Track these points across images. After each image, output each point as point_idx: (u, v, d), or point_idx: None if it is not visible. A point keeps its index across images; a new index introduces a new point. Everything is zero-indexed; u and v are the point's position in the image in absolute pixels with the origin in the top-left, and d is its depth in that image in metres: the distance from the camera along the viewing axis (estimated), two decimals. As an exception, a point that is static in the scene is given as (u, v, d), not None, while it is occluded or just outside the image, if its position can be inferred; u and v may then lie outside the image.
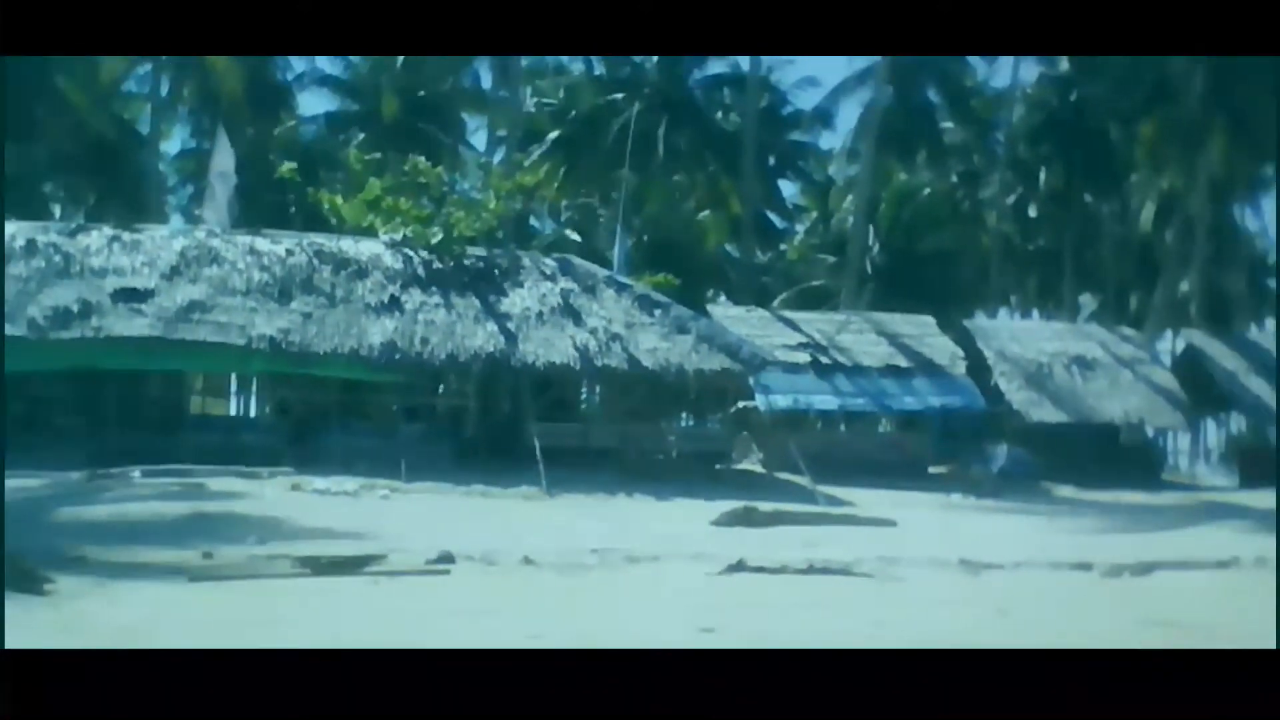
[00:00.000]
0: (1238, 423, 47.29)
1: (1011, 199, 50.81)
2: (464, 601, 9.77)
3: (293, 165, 32.44)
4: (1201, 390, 36.41)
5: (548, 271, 27.18)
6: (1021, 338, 36.77)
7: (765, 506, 18.18)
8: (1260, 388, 36.41)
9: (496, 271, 26.82)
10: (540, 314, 25.68)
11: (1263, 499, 27.17)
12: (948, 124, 48.67)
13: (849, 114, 73.30)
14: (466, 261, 26.82)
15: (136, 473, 19.54)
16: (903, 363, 32.69)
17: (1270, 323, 61.99)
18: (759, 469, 29.22)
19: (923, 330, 34.80)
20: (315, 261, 25.74)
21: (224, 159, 28.83)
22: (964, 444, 30.80)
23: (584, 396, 30.97)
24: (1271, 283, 63.15)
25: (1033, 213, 52.59)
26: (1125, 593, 11.83)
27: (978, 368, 33.74)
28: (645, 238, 42.97)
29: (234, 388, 36.91)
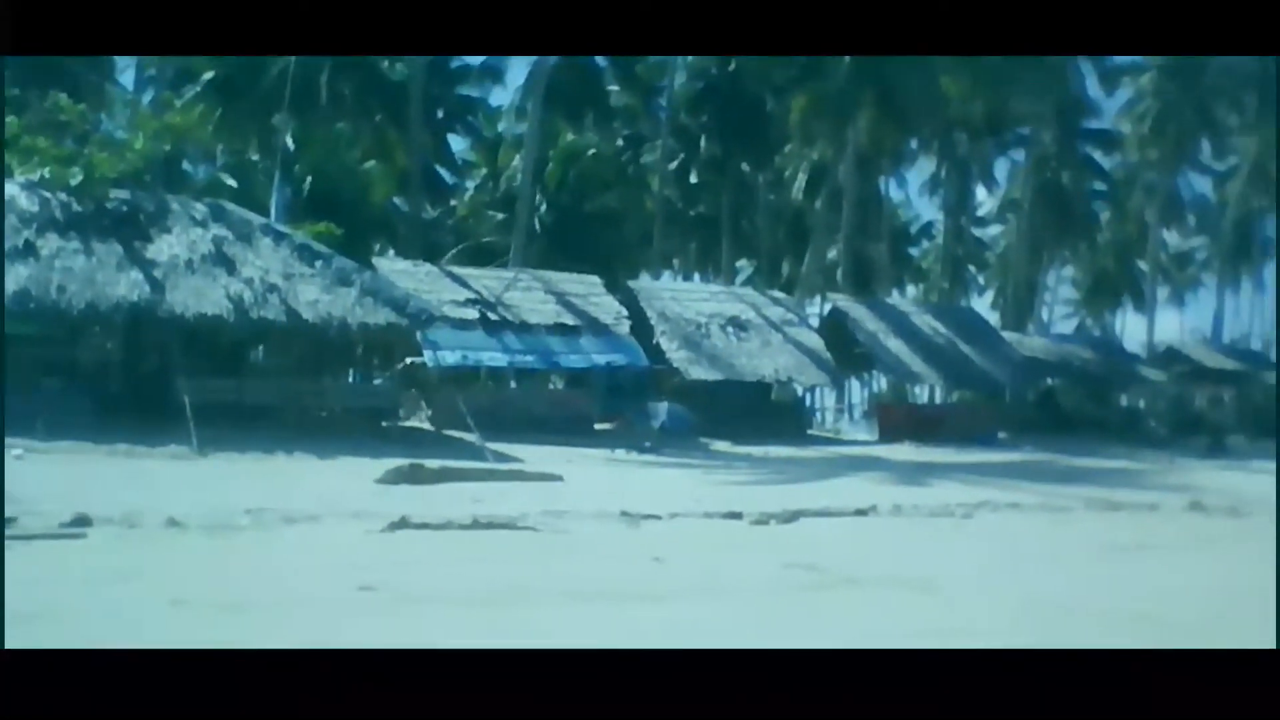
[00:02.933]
0: (878, 381, 50.79)
1: (674, 164, 52.22)
2: (101, 566, 9.13)
3: None
4: (846, 351, 38.87)
5: (199, 217, 25.79)
6: (681, 299, 38.07)
7: (432, 464, 17.99)
8: (899, 348, 39.23)
9: (142, 216, 25.24)
10: (190, 262, 24.36)
11: (898, 452, 29.36)
12: (614, 86, 49.36)
13: (518, 71, 73.37)
14: (109, 205, 25.12)
15: None
16: (570, 321, 33.15)
17: (911, 289, 67.06)
18: (427, 426, 28.97)
19: (589, 289, 35.42)
20: (-63, 202, 23.49)
21: None
22: (628, 400, 31.58)
23: (241, 351, 29.62)
24: (911, 250, 68.12)
25: (694, 179, 54.30)
26: (772, 539, 12.41)
27: (641, 327, 34.70)
28: (306, 186, 41.47)
29: None
